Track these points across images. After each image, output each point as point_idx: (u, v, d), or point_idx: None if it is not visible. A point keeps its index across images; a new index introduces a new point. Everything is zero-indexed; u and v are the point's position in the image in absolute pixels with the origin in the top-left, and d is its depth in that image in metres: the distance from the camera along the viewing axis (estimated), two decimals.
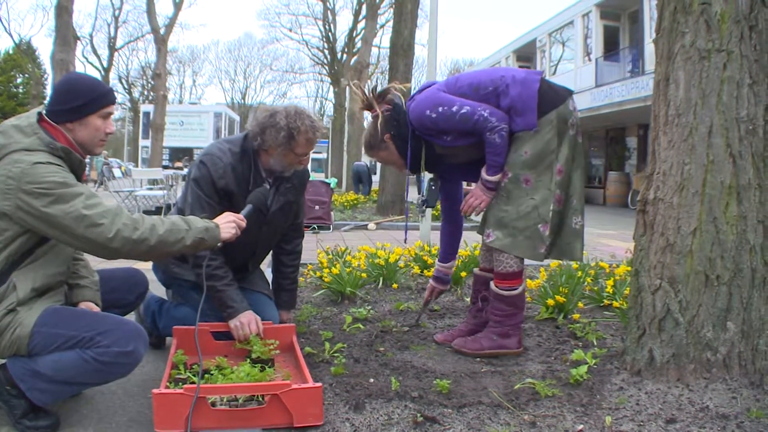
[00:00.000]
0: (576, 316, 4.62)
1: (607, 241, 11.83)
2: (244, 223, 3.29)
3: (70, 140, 2.91)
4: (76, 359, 2.77)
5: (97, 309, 3.19)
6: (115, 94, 3.19)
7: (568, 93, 3.86)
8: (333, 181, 15.57)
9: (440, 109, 3.79)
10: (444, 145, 3.93)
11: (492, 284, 3.96)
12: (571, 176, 3.86)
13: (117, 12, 53.00)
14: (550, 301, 4.76)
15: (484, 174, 3.84)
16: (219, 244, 3.15)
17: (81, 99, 2.90)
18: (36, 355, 2.79)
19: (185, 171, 19.50)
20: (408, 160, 4.05)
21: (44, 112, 2.92)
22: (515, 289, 3.89)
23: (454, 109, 3.75)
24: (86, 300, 3.21)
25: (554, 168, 3.76)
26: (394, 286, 5.85)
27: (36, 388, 2.81)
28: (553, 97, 3.76)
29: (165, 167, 31.05)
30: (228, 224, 3.19)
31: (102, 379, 2.93)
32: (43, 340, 2.77)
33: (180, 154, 43.62)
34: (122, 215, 2.80)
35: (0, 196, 2.68)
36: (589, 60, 26.76)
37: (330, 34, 50.08)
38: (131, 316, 3.64)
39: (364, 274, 5.84)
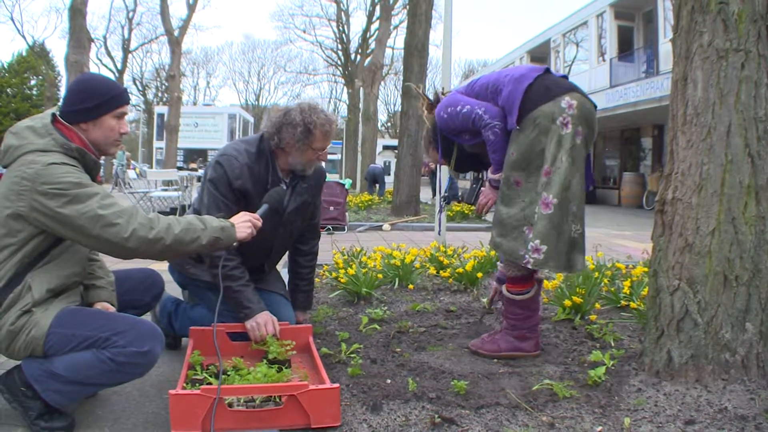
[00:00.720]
0: (593, 317, 4.60)
1: (623, 242, 11.78)
2: (260, 223, 3.29)
3: (85, 141, 2.91)
4: (92, 360, 2.77)
5: (113, 309, 3.19)
6: (129, 94, 3.19)
7: (566, 90, 3.69)
8: (348, 182, 15.57)
9: (449, 109, 3.89)
10: (465, 144, 3.97)
11: (504, 287, 3.96)
12: (571, 181, 3.63)
13: (131, 14, 53.13)
14: (567, 302, 4.74)
15: (489, 172, 3.86)
16: (235, 244, 3.15)
17: (95, 99, 2.90)
18: (52, 356, 2.79)
19: (200, 172, 19.58)
20: (443, 158, 4.18)
21: (58, 113, 2.93)
22: (526, 292, 3.88)
23: (458, 108, 3.83)
24: (102, 300, 3.21)
25: (542, 169, 3.65)
26: (410, 286, 5.83)
27: (51, 389, 2.81)
28: (542, 94, 3.66)
29: (180, 168, 31.17)
30: (244, 223, 3.18)
31: (118, 380, 2.93)
32: (58, 340, 2.77)
33: (194, 155, 43.84)
34: (138, 215, 2.80)
35: (15, 197, 2.69)
36: (604, 60, 26.69)
37: (344, 35, 50.18)
38: (147, 317, 3.64)
39: (379, 275, 5.83)
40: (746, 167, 3.06)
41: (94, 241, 2.75)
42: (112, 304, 3.24)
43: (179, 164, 38.12)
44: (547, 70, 3.80)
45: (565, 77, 3.85)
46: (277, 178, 3.80)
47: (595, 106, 3.80)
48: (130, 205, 2.88)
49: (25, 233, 2.75)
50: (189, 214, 3.35)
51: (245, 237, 3.17)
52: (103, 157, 3.10)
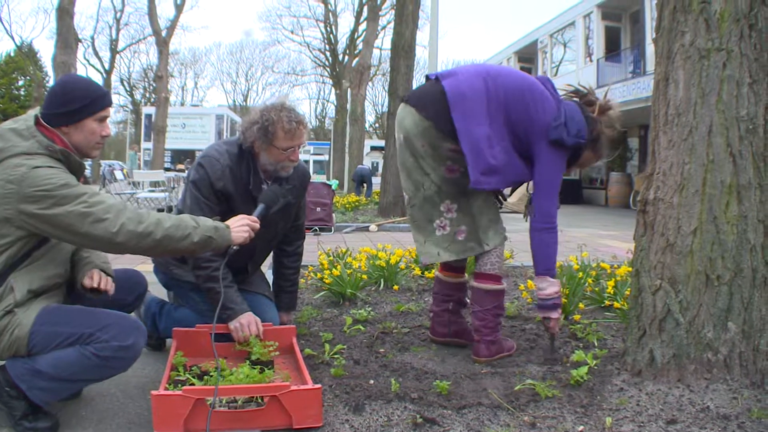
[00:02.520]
0: (577, 317, 4.60)
1: (609, 242, 11.81)
2: (257, 225, 3.27)
3: (67, 143, 2.89)
4: (76, 356, 2.77)
5: (106, 278, 3.16)
6: (112, 96, 3.17)
7: (406, 97, 3.78)
8: (334, 183, 15.58)
9: None
10: None
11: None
12: (402, 185, 3.92)
13: (118, 14, 52.66)
14: None
15: None
16: (235, 247, 3.16)
17: (76, 103, 2.87)
18: (36, 354, 2.79)
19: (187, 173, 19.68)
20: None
21: (39, 115, 2.90)
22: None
23: None
24: (96, 267, 3.15)
25: None
26: (395, 287, 5.83)
27: (37, 387, 2.81)
28: None
29: (167, 169, 31.08)
30: (241, 227, 3.17)
31: (103, 375, 2.93)
32: (42, 339, 2.77)
33: (182, 156, 43.66)
34: (126, 210, 2.80)
35: (1, 201, 2.68)
36: (591, 61, 26.73)
37: (331, 36, 50.02)
38: None
39: (364, 276, 5.84)
40: (728, 167, 3.07)
41: (83, 238, 2.74)
42: (108, 274, 3.19)
43: (167, 165, 38.01)
44: (427, 78, 3.88)
45: (440, 76, 3.69)
46: (259, 179, 3.78)
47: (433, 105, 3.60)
48: (119, 201, 2.86)
49: (12, 237, 2.74)
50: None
51: (243, 241, 3.16)
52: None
